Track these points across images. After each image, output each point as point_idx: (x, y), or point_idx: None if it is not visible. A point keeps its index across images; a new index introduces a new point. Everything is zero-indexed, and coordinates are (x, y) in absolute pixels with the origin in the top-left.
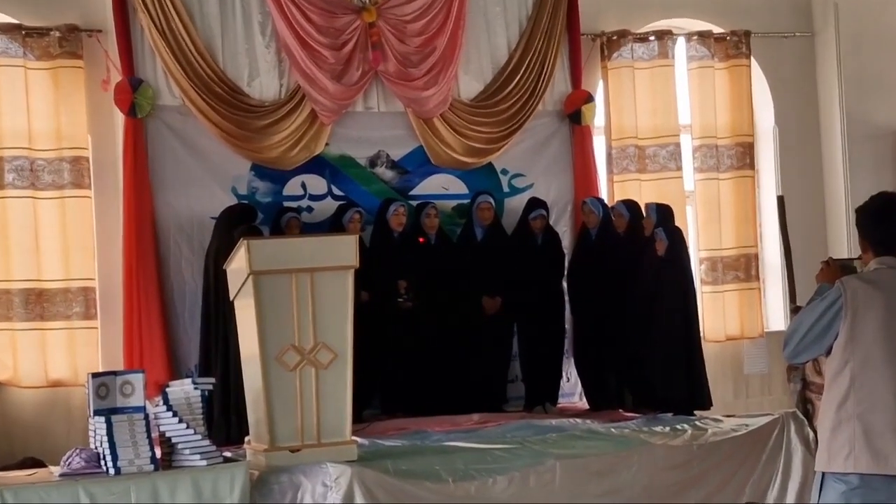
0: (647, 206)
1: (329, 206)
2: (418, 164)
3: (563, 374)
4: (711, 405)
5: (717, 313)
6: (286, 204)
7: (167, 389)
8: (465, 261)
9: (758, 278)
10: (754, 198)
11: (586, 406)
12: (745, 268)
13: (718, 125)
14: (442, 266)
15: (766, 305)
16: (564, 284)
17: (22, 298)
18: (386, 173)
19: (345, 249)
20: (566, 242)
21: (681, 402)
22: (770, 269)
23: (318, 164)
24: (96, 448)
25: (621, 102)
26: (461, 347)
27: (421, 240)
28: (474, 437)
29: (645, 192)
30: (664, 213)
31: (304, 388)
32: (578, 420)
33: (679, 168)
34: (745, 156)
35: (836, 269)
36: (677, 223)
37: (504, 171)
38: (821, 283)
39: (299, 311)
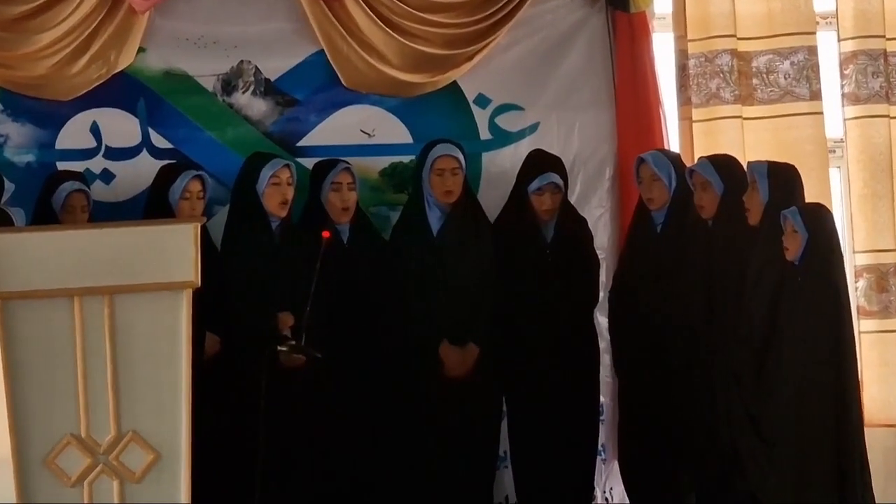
0: (751, 167)
1: (145, 170)
2: (317, 86)
3: (598, 489)
4: None
5: (887, 372)
6: (63, 166)
7: None
8: (408, 273)
9: None
10: None
11: None
12: None
13: (889, 15)
14: (363, 285)
15: None
16: (599, 317)
17: None
18: (254, 105)
19: (175, 251)
20: (602, 239)
21: None
22: None
23: (123, 91)
24: None
25: None
26: (404, 441)
27: (325, 234)
28: None
29: (751, 140)
30: (785, 183)
31: None
32: None
33: (816, 95)
34: None
35: None
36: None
37: (482, 101)
38: None
39: (87, 372)
